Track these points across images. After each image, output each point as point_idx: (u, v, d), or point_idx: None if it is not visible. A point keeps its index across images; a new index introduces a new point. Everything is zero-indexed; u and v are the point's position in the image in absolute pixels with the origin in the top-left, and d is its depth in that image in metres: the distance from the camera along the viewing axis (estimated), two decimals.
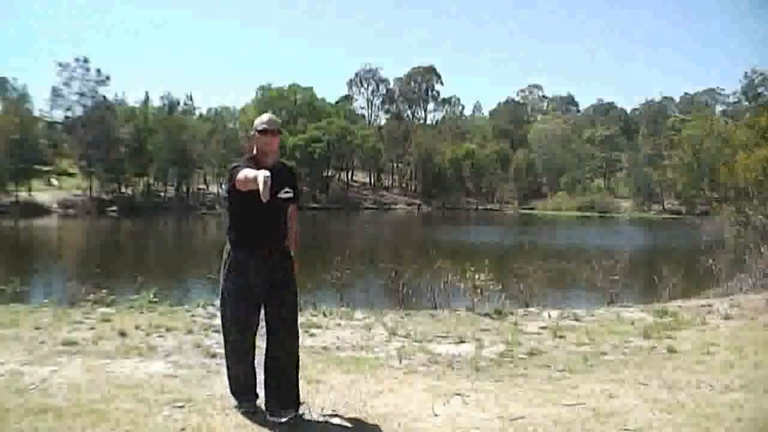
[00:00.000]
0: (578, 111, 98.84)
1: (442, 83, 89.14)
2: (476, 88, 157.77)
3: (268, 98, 70.99)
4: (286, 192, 3.40)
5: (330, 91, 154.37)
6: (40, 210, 46.33)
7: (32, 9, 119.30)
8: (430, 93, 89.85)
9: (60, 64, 54.75)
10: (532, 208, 68.66)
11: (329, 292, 9.47)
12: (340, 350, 5.21)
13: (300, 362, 3.53)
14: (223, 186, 4.20)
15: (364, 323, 6.34)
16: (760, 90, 70.49)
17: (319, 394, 3.89)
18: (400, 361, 4.81)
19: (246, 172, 3.04)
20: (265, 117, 3.49)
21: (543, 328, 6.24)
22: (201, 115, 67.23)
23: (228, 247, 3.46)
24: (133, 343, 5.11)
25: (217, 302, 7.26)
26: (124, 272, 15.43)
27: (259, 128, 3.41)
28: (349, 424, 3.42)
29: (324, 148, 66.43)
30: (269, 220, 3.39)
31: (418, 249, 21.37)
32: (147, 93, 69.00)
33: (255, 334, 3.48)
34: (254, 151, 3.46)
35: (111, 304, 7.11)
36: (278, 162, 3.50)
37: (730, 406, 3.69)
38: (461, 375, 4.46)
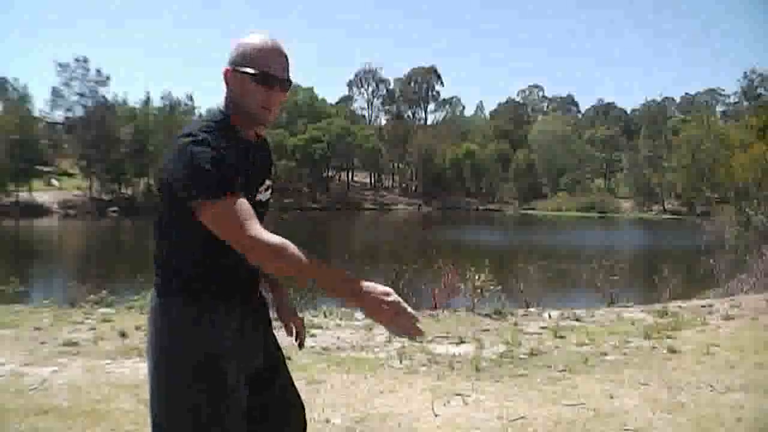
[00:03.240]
0: (578, 111, 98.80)
1: (442, 84, 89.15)
2: (477, 88, 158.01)
3: None
4: (268, 187, 1.76)
5: (330, 91, 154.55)
6: (41, 210, 46.29)
7: (32, 9, 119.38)
8: (430, 93, 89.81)
9: (60, 64, 54.70)
10: (532, 209, 68.59)
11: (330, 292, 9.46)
12: (340, 350, 5.21)
13: None
14: (158, 178, 1.65)
15: (364, 323, 6.34)
16: (759, 91, 70.47)
17: (319, 394, 3.89)
18: (401, 362, 4.81)
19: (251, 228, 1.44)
20: (265, 43, 1.60)
21: (543, 328, 6.24)
22: (201, 116, 67.11)
23: (161, 301, 1.60)
24: (133, 343, 5.11)
25: None
26: (124, 272, 15.42)
27: (255, 70, 1.58)
28: (349, 424, 3.42)
29: (324, 149, 66.40)
30: None
31: (418, 249, 21.36)
32: (148, 93, 68.91)
33: None
34: (229, 107, 1.63)
35: (111, 304, 7.11)
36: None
37: (731, 407, 3.69)
38: (461, 375, 4.46)
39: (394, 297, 1.39)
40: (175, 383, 1.54)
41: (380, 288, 1.40)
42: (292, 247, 1.43)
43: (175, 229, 1.60)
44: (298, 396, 1.82)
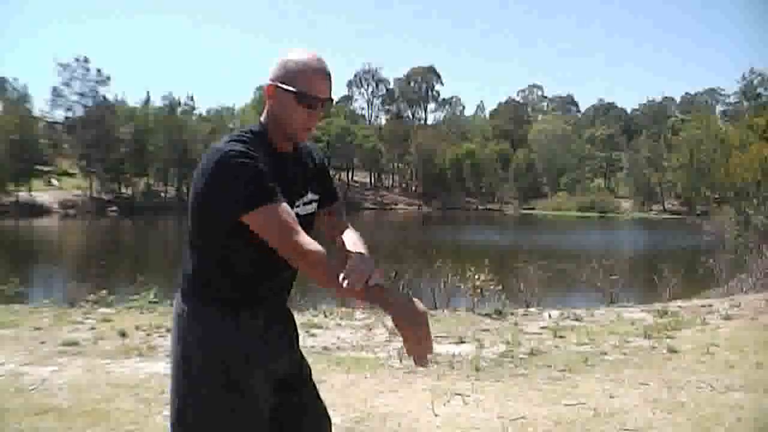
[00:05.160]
0: (578, 111, 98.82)
1: (442, 83, 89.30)
2: (477, 88, 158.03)
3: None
4: (309, 201, 1.71)
5: None
6: (41, 210, 46.31)
7: (32, 9, 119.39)
8: (430, 93, 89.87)
9: (60, 64, 54.81)
10: (532, 208, 68.59)
11: (329, 292, 9.46)
12: (341, 350, 5.21)
13: None
14: (195, 192, 1.55)
15: (364, 323, 6.34)
16: (759, 90, 70.51)
17: (320, 394, 3.89)
18: (401, 361, 4.81)
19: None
20: (309, 61, 1.58)
21: (543, 328, 6.23)
22: (200, 116, 67.22)
23: (188, 308, 1.61)
24: (133, 343, 5.11)
25: None
26: (124, 272, 15.42)
27: (298, 89, 1.56)
28: (349, 424, 3.41)
29: (324, 149, 66.44)
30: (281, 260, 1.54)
31: (419, 249, 21.36)
32: (148, 93, 68.98)
33: None
34: (263, 119, 1.63)
35: (111, 304, 7.11)
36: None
37: (731, 407, 3.69)
38: (461, 375, 4.45)
39: (424, 319, 1.41)
40: (196, 385, 1.55)
41: (415, 306, 1.42)
42: (324, 259, 1.47)
43: (204, 238, 1.60)
44: (325, 408, 1.82)
